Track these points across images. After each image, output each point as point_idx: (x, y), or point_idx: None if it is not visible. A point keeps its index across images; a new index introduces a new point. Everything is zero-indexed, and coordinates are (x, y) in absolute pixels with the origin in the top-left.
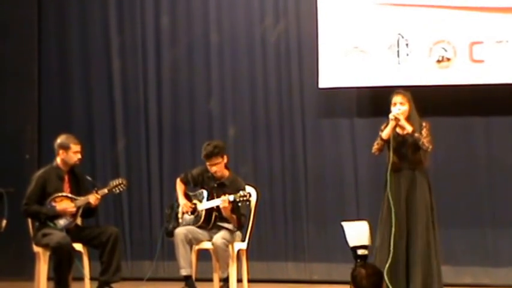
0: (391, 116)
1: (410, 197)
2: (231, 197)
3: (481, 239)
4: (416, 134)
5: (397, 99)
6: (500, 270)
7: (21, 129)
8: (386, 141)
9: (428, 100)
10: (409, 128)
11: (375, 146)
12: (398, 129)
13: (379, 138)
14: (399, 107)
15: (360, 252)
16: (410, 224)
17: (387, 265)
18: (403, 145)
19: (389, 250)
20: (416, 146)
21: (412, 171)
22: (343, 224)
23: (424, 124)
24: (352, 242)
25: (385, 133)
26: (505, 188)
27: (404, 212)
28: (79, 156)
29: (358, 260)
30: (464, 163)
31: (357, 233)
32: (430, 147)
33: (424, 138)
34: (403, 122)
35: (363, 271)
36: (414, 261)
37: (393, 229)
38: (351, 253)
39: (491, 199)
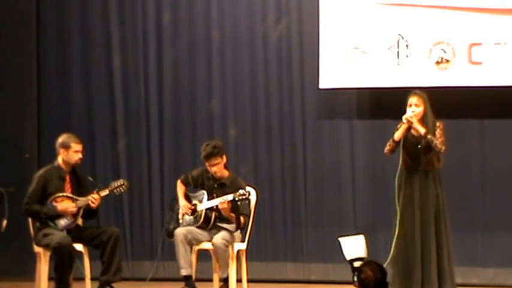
0: (404, 118)
1: (423, 198)
2: (230, 196)
3: (471, 239)
4: (429, 136)
5: (412, 100)
6: (489, 271)
7: (21, 128)
8: (398, 143)
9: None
10: (421, 131)
11: (387, 147)
12: (412, 131)
13: (391, 140)
14: (414, 108)
15: (357, 264)
16: (423, 226)
17: (386, 263)
18: (417, 147)
19: (411, 256)
20: (429, 148)
21: (425, 173)
22: (340, 240)
23: (438, 124)
24: (349, 255)
25: (397, 135)
26: (496, 190)
27: (419, 213)
28: (80, 155)
29: (355, 273)
30: (458, 165)
31: (354, 247)
32: (443, 148)
33: (437, 139)
34: (416, 125)
35: (370, 273)
36: (428, 263)
37: (397, 230)
38: None
39: (482, 201)
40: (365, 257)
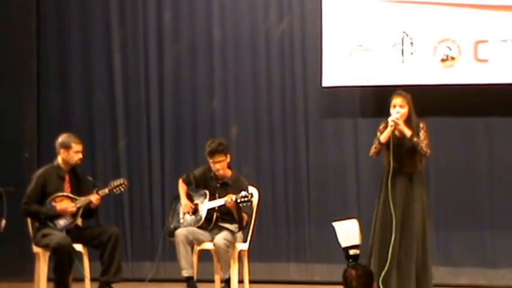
0: (390, 121)
1: (407, 201)
2: (233, 197)
3: (479, 240)
4: (415, 139)
5: (396, 101)
6: (497, 272)
7: (20, 127)
8: (384, 145)
9: (432, 100)
10: (407, 133)
11: (373, 150)
12: (397, 132)
13: (377, 142)
14: (398, 109)
15: (352, 252)
16: (406, 229)
17: (383, 273)
18: (400, 148)
19: (386, 257)
20: (413, 150)
21: (409, 175)
22: (334, 224)
23: (421, 125)
24: (344, 242)
25: (384, 136)
26: (504, 189)
27: (401, 216)
28: (80, 156)
29: (350, 260)
30: (464, 164)
31: (348, 233)
32: (428, 151)
33: (422, 142)
34: (402, 127)
35: (353, 272)
36: (408, 265)
37: (393, 236)
38: None
39: (490, 200)
40: (359, 244)
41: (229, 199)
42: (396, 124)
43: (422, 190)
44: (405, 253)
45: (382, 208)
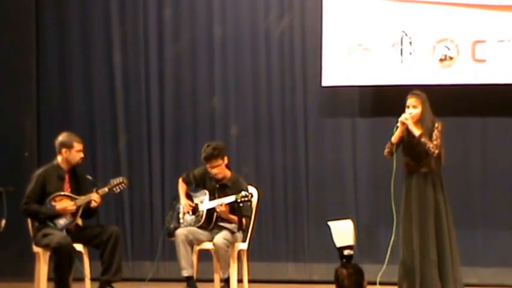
0: (399, 120)
1: (420, 202)
2: (233, 198)
3: (471, 238)
4: (422, 139)
5: (410, 101)
6: (489, 270)
7: (20, 125)
8: (397, 145)
9: (430, 99)
10: (416, 132)
11: (386, 150)
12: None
13: (389, 142)
14: (411, 110)
15: (346, 252)
16: (421, 230)
17: (381, 272)
18: (416, 147)
19: (411, 260)
20: (424, 149)
21: (424, 174)
22: (330, 224)
23: (436, 125)
24: (339, 242)
25: (394, 137)
26: (497, 189)
27: (417, 215)
28: (81, 155)
29: (344, 260)
30: (459, 163)
31: (343, 233)
32: (436, 151)
33: (432, 142)
34: (411, 127)
35: (344, 271)
36: (425, 267)
37: (392, 237)
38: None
39: (483, 200)
40: (354, 245)
41: (221, 207)
42: (404, 124)
43: (436, 191)
44: (421, 255)
45: (403, 209)
